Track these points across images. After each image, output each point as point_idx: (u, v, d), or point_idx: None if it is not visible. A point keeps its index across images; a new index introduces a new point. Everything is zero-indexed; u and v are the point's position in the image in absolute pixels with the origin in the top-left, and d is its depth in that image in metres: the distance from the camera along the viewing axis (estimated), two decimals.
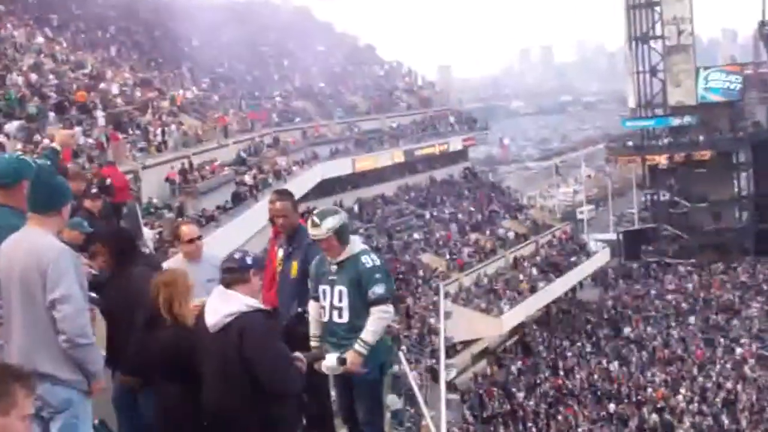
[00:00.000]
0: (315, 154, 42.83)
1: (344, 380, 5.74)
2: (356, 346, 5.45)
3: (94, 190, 10.28)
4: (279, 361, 4.59)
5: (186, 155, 28.25)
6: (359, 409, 5.75)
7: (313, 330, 5.79)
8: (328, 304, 5.63)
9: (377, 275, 5.55)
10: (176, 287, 5.06)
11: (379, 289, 5.50)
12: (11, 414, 2.68)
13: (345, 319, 5.59)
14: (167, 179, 25.83)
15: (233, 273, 4.72)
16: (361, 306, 5.52)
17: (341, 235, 5.57)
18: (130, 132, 26.40)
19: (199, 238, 6.79)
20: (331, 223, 5.54)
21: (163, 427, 5.02)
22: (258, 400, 4.52)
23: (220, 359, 4.56)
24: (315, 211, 5.74)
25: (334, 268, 5.62)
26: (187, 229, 6.76)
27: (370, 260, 5.59)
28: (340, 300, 5.58)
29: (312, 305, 5.80)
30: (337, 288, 5.58)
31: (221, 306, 4.63)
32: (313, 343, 5.75)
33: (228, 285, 4.70)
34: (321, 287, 5.63)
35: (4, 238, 4.31)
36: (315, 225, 5.55)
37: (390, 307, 5.56)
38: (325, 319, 5.68)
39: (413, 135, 52.74)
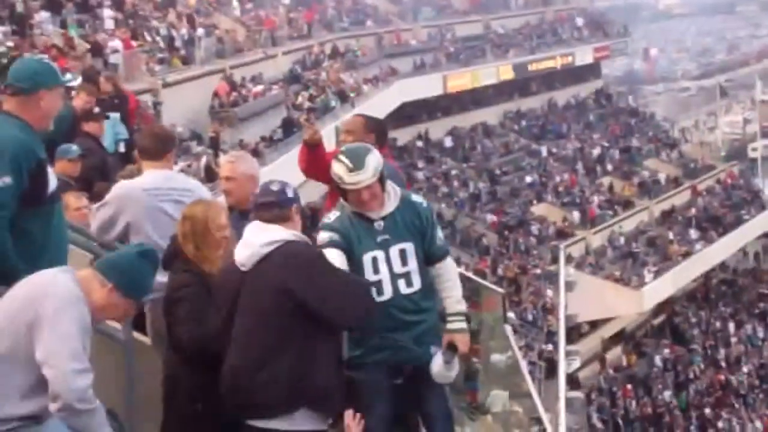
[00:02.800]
0: (393, 68, 42.56)
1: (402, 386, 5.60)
2: (456, 324, 5.49)
3: (97, 110, 10.40)
4: (347, 286, 4.87)
5: (221, 69, 28.25)
6: (433, 411, 5.68)
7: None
8: (385, 275, 5.41)
9: (434, 216, 5.66)
10: (195, 223, 5.23)
11: (441, 234, 5.61)
12: None
13: (417, 285, 5.45)
14: (215, 94, 25.91)
15: (271, 209, 4.85)
16: (423, 264, 5.49)
17: (384, 177, 5.43)
18: (148, 38, 26.44)
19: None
20: (374, 161, 5.37)
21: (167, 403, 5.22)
22: (298, 365, 4.69)
23: (252, 303, 4.72)
24: (340, 152, 5.52)
25: (380, 224, 5.44)
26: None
27: (421, 198, 5.64)
28: (405, 263, 5.43)
29: None
30: (395, 248, 5.42)
31: (257, 238, 4.78)
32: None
33: (265, 222, 4.87)
34: (366, 256, 5.40)
35: (13, 152, 4.66)
36: (355, 169, 5.34)
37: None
38: (384, 296, 5.41)
39: (526, 43, 52.27)
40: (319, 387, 4.80)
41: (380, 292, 5.39)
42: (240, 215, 6.08)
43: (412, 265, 5.44)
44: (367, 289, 5.08)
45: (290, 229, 4.86)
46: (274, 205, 4.86)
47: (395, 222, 5.44)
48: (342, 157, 5.38)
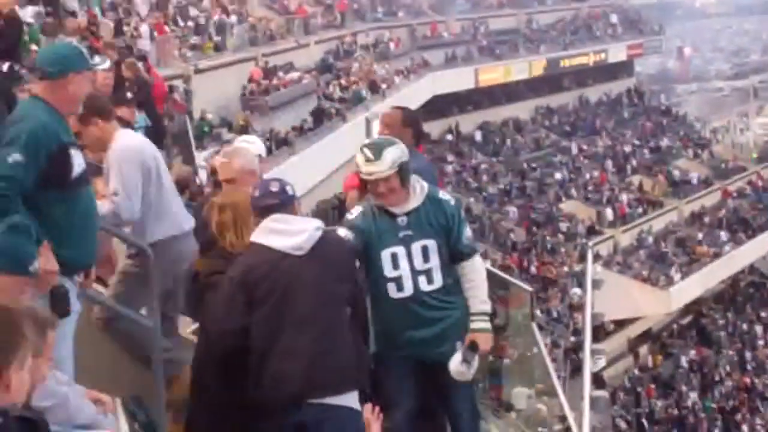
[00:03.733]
0: (425, 60, 42.50)
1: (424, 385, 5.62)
2: (479, 324, 5.48)
3: (130, 95, 10.56)
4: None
5: (253, 57, 28.25)
6: (459, 409, 5.72)
7: None
8: (406, 271, 5.41)
9: (463, 214, 5.65)
10: (237, 210, 5.20)
11: (469, 233, 5.61)
12: (41, 356, 3.33)
13: (438, 283, 5.45)
14: (251, 79, 25.78)
15: (276, 211, 4.83)
16: (448, 261, 5.48)
17: (406, 172, 5.41)
18: (180, 23, 26.43)
19: None
20: (394, 154, 5.37)
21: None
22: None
23: (315, 284, 4.75)
24: (364, 144, 5.55)
25: (403, 219, 5.43)
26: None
27: (449, 196, 5.63)
28: (426, 259, 5.42)
29: None
30: (418, 244, 5.41)
31: (296, 225, 4.82)
32: None
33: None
34: (385, 252, 5.39)
35: (30, 133, 4.66)
36: (372, 159, 5.37)
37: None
38: (405, 293, 5.43)
39: (559, 39, 52.14)
40: (368, 366, 4.97)
41: (400, 288, 5.41)
42: None
43: (434, 262, 5.42)
44: None
45: None
46: (278, 207, 4.83)
47: (419, 218, 5.45)
48: (364, 148, 5.40)
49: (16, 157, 4.61)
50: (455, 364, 5.38)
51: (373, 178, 5.33)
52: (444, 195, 5.62)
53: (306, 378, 4.72)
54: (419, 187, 5.47)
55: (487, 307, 5.54)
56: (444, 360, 5.40)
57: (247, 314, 4.78)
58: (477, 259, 5.61)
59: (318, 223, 4.87)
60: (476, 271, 5.54)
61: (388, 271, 5.39)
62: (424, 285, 5.41)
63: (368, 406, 4.76)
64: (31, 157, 4.64)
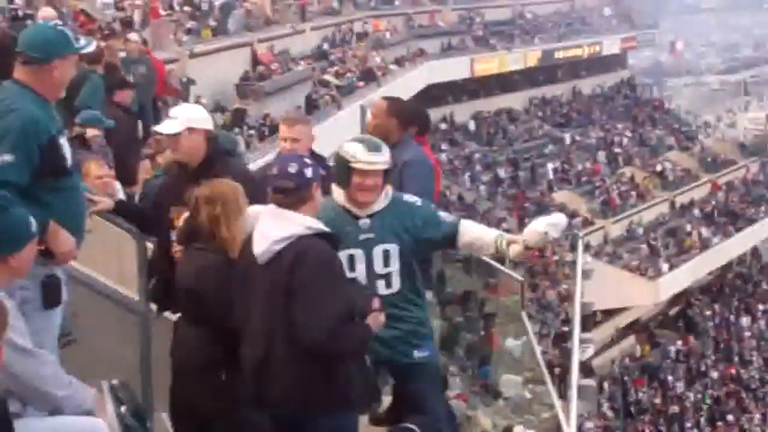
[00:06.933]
0: (421, 50, 42.33)
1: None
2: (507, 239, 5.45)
3: (129, 78, 10.53)
4: (327, 304, 4.55)
5: (248, 42, 28.09)
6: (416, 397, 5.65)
7: None
8: (362, 274, 5.34)
9: (433, 207, 5.58)
10: (227, 204, 5.11)
11: (446, 215, 5.58)
12: None
13: (396, 287, 5.40)
14: (259, 62, 25.66)
15: (290, 195, 4.71)
16: (412, 268, 5.44)
17: (389, 173, 5.37)
18: (176, 7, 26.24)
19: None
20: (389, 152, 5.34)
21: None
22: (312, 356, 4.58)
23: (265, 299, 4.62)
24: (357, 138, 5.50)
25: (365, 222, 5.34)
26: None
27: (415, 198, 5.52)
28: (387, 263, 5.35)
29: None
30: (379, 248, 5.33)
31: (273, 229, 4.67)
32: None
33: (281, 206, 4.75)
34: (342, 253, 5.22)
35: (20, 129, 4.50)
36: (375, 149, 5.28)
37: None
38: None
39: (554, 30, 52.04)
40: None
41: None
42: None
43: (395, 266, 5.35)
44: (360, 327, 4.79)
45: (309, 211, 4.74)
46: (292, 191, 4.71)
47: (382, 221, 5.36)
48: (361, 142, 5.32)
49: (5, 158, 4.45)
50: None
51: (373, 169, 5.22)
52: (409, 197, 5.52)
53: (247, 388, 4.75)
54: (385, 192, 5.38)
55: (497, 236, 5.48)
56: (397, 363, 5.42)
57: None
58: (465, 224, 5.50)
59: (287, 233, 4.65)
60: (472, 229, 5.49)
61: (348, 272, 5.22)
62: (382, 289, 5.33)
63: (375, 299, 4.84)
64: (23, 155, 4.50)
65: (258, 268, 4.67)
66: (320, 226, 4.73)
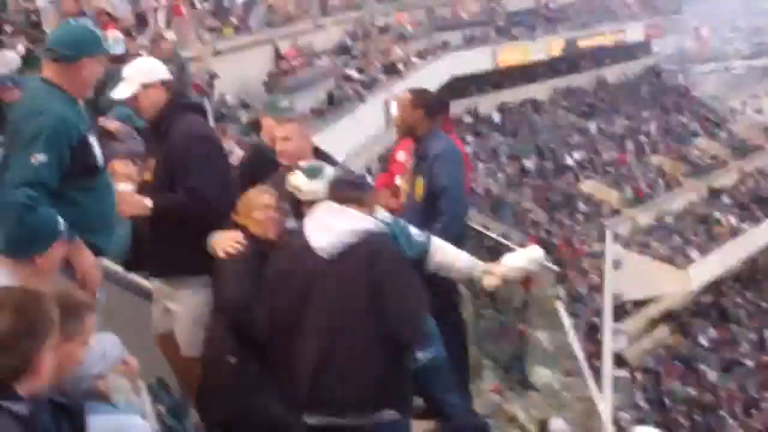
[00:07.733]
0: (444, 42, 42.24)
1: None
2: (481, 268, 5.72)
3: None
4: (416, 300, 4.67)
5: (270, 39, 28.10)
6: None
7: None
8: None
9: (402, 223, 5.76)
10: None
11: (414, 232, 5.77)
12: (75, 340, 3.45)
13: None
14: (281, 56, 25.79)
15: (350, 189, 4.87)
16: None
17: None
18: (198, 5, 26.25)
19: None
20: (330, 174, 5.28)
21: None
22: (385, 352, 4.61)
23: (335, 294, 4.61)
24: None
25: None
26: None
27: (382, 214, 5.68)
28: None
29: None
30: None
31: (337, 221, 4.70)
32: None
33: (341, 202, 4.84)
34: None
35: (52, 130, 4.49)
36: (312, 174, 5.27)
37: None
38: None
39: (577, 18, 51.76)
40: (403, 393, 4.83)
41: None
42: None
43: None
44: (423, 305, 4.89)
45: (366, 213, 4.83)
46: (353, 187, 4.88)
47: None
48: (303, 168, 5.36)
49: (39, 158, 4.45)
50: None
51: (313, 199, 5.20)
52: (379, 214, 5.49)
53: (300, 387, 4.69)
54: None
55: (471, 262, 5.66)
56: None
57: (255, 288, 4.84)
58: (436, 242, 5.60)
59: (357, 226, 4.68)
60: (445, 251, 5.60)
61: None
62: None
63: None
64: (55, 155, 4.50)
65: (320, 261, 4.65)
66: (385, 229, 4.88)
